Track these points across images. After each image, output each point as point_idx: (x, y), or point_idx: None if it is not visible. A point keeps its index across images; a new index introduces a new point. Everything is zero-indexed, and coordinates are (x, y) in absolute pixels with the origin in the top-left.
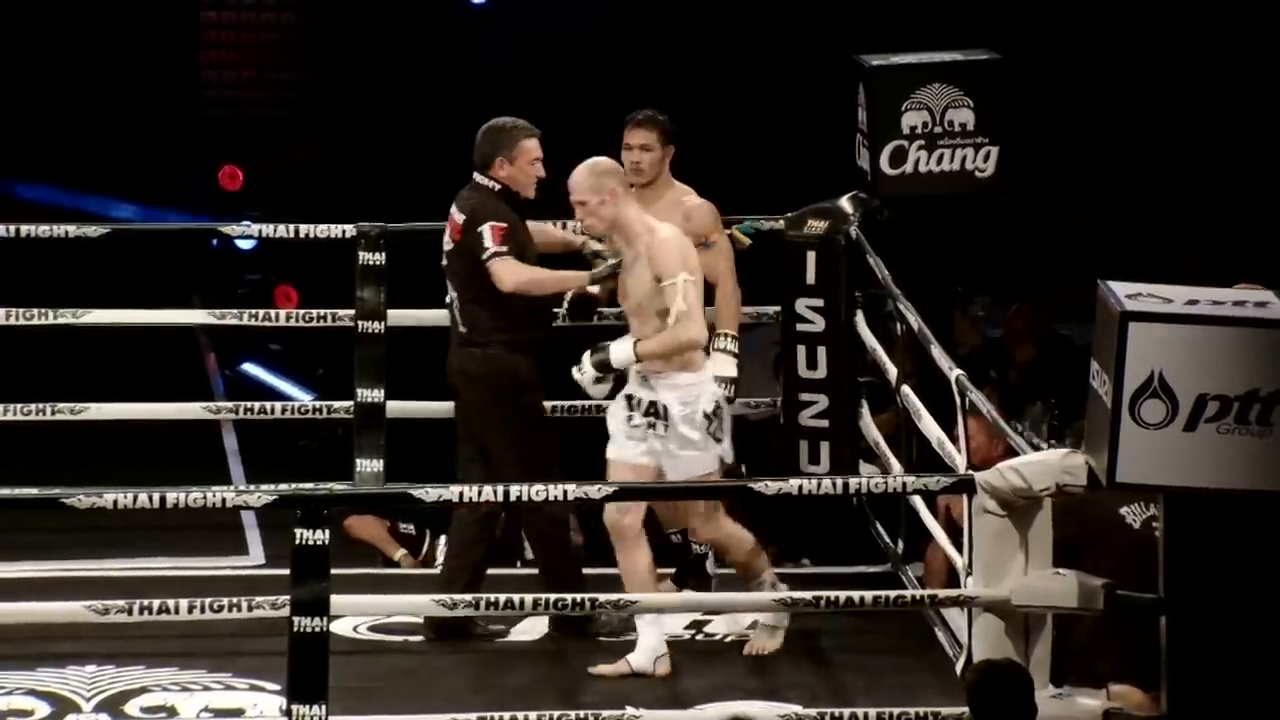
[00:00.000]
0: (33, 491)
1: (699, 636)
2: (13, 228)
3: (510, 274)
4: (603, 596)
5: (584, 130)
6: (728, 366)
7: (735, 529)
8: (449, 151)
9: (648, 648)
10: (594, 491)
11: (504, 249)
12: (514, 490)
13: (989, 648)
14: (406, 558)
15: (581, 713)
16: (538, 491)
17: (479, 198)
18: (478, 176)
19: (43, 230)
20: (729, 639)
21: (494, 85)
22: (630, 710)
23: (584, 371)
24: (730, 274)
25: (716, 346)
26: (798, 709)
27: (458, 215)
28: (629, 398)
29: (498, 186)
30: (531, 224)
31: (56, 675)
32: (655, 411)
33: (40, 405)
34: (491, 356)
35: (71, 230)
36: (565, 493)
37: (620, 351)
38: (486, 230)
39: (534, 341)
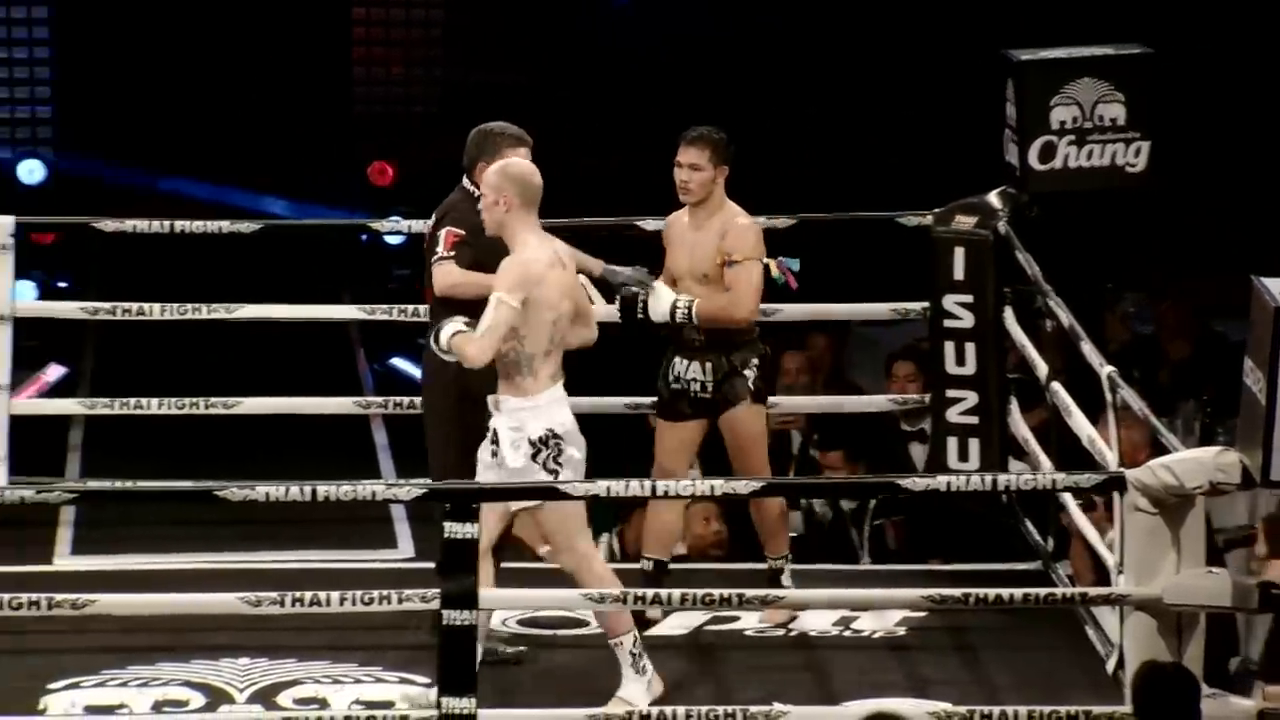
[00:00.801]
0: (187, 484)
1: (846, 633)
2: (168, 223)
3: (440, 278)
4: (749, 592)
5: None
6: (664, 299)
7: (601, 570)
8: (592, 147)
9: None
10: (741, 486)
11: (450, 255)
12: (660, 485)
13: (1141, 647)
14: (551, 553)
15: (730, 708)
16: (684, 486)
17: (453, 200)
18: (464, 180)
19: (196, 226)
20: (876, 635)
21: (633, 83)
22: (778, 705)
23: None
24: (744, 293)
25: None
26: (947, 706)
27: (433, 216)
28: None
29: (477, 192)
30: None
31: (210, 666)
32: (494, 438)
33: (194, 399)
34: (435, 361)
35: (225, 226)
36: (713, 488)
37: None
38: (441, 235)
39: None
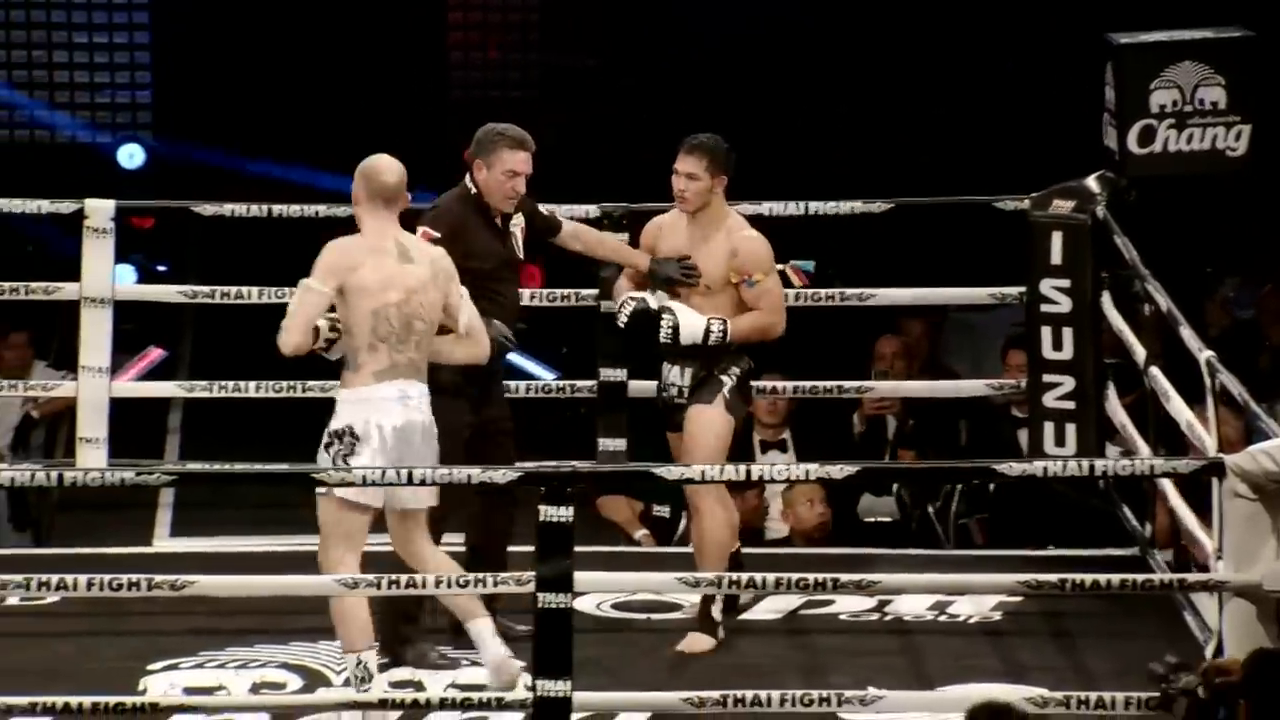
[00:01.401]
0: (284, 467)
1: (941, 617)
2: (265, 207)
3: None
4: (844, 576)
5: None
6: (696, 322)
7: (439, 560)
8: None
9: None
10: (836, 472)
11: None
12: (755, 469)
13: (1240, 633)
14: (648, 538)
15: (824, 692)
16: (779, 470)
17: (445, 197)
18: (466, 177)
19: (294, 210)
20: (972, 620)
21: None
22: (873, 690)
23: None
24: (772, 312)
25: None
26: (1043, 692)
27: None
28: None
29: (474, 190)
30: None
31: (308, 649)
32: None
33: (291, 382)
34: None
35: (321, 210)
36: (807, 472)
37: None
38: (418, 232)
39: None
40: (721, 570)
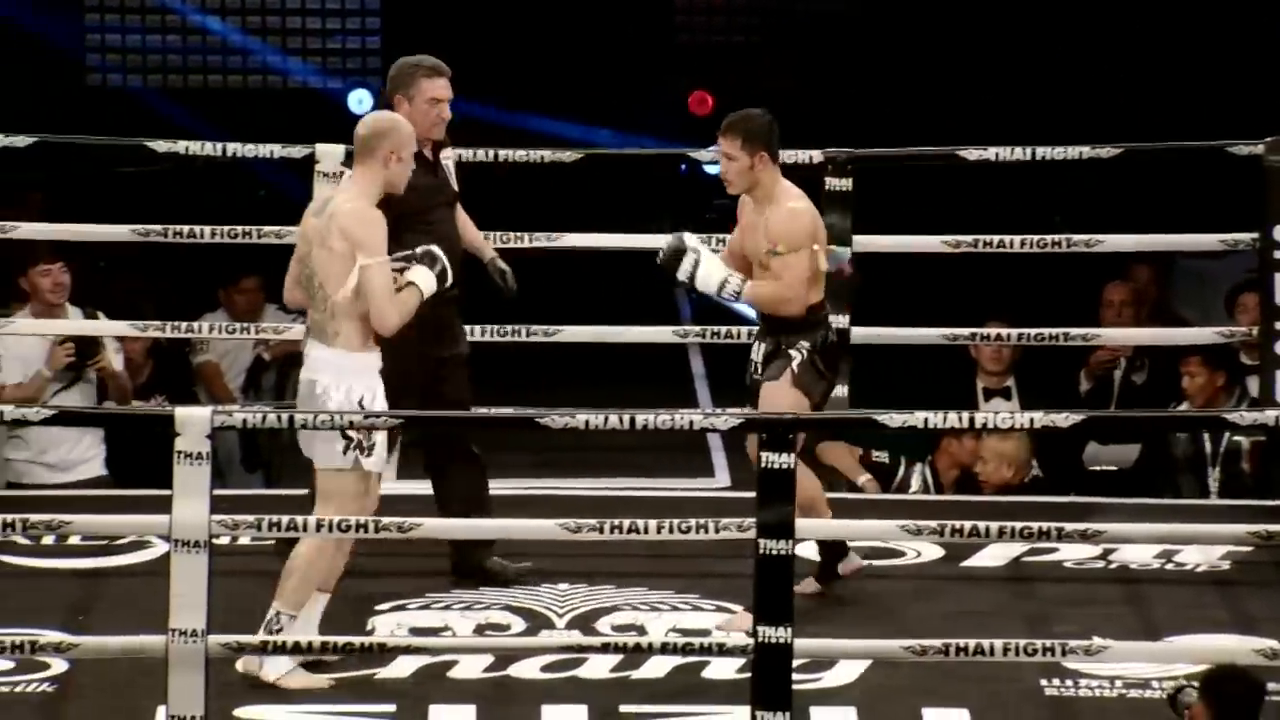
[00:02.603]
0: (509, 412)
1: (1168, 566)
2: (491, 152)
3: None
4: (1068, 525)
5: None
6: (715, 273)
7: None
8: (919, 78)
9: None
10: (1061, 420)
11: None
12: (979, 416)
13: None
14: (871, 483)
15: (1048, 641)
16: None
17: None
18: None
19: (520, 155)
20: (1200, 569)
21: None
22: (1098, 640)
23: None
24: (790, 283)
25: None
26: (1274, 644)
27: None
28: None
29: None
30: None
31: (530, 592)
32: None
33: (516, 327)
34: None
35: (547, 155)
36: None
37: None
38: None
39: None
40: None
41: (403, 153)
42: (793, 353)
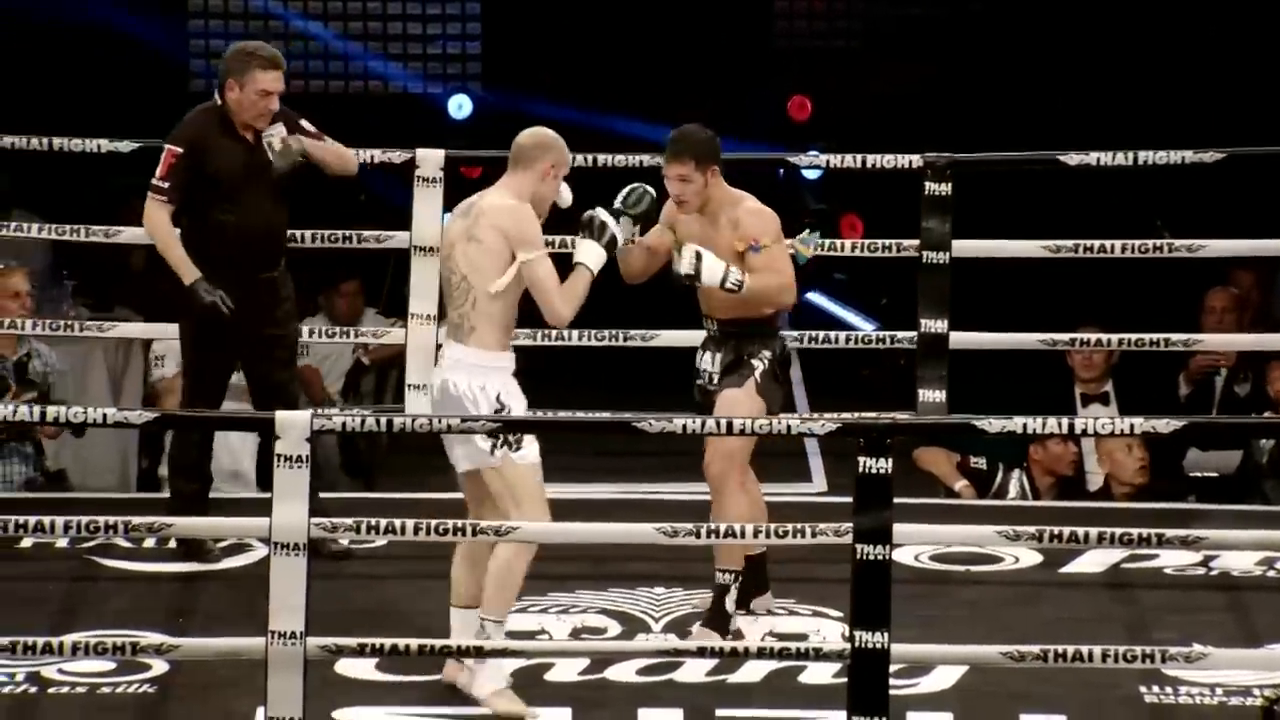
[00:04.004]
0: (606, 416)
1: (1270, 573)
2: (590, 157)
3: (145, 215)
4: (1169, 532)
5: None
6: (717, 267)
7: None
8: (1019, 83)
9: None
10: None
11: (162, 184)
12: (1079, 422)
13: None
14: (968, 489)
15: (1148, 648)
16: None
17: (192, 111)
18: (216, 95)
19: (618, 160)
20: None
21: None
22: (1198, 647)
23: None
24: (786, 275)
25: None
26: None
27: None
28: None
29: (220, 104)
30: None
31: (627, 596)
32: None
33: (613, 331)
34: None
35: (646, 160)
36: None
37: None
38: (163, 154)
39: (225, 266)
40: (736, 565)
41: (560, 171)
42: (755, 362)
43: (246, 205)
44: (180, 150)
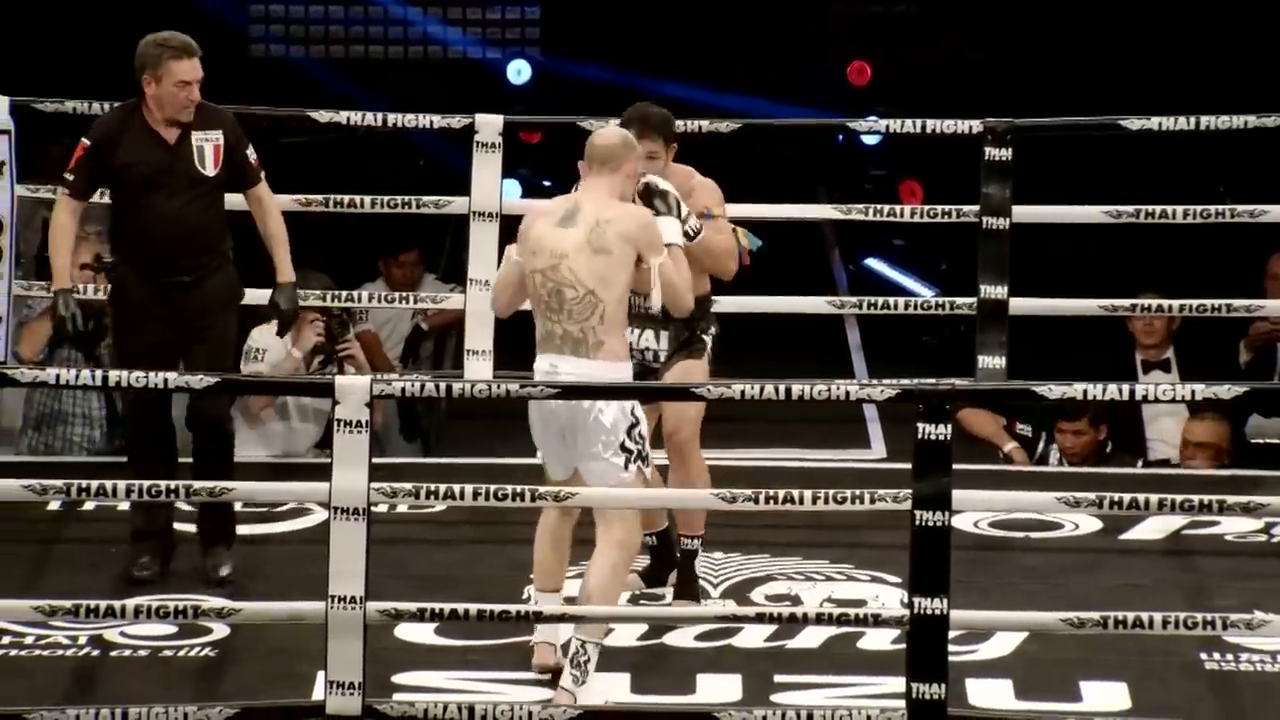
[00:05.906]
0: (665, 383)
1: None
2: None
3: (54, 214)
4: (1230, 499)
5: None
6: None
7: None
8: (1079, 44)
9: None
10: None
11: (69, 177)
12: (1139, 388)
13: None
14: (1018, 451)
15: (1209, 615)
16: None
17: (113, 107)
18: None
19: (677, 125)
20: None
21: None
22: (1259, 614)
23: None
24: (721, 237)
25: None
26: None
27: None
28: None
29: (141, 101)
30: None
31: None
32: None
33: None
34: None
35: (705, 125)
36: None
37: None
38: (78, 149)
39: (135, 265)
40: (699, 531)
41: (637, 167)
42: (705, 338)
43: (158, 205)
44: (88, 143)
